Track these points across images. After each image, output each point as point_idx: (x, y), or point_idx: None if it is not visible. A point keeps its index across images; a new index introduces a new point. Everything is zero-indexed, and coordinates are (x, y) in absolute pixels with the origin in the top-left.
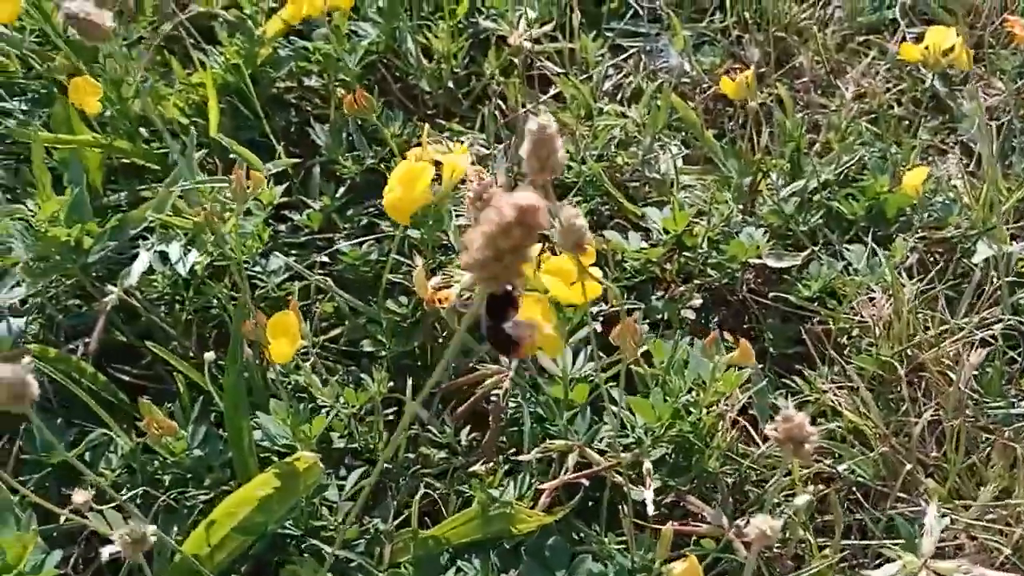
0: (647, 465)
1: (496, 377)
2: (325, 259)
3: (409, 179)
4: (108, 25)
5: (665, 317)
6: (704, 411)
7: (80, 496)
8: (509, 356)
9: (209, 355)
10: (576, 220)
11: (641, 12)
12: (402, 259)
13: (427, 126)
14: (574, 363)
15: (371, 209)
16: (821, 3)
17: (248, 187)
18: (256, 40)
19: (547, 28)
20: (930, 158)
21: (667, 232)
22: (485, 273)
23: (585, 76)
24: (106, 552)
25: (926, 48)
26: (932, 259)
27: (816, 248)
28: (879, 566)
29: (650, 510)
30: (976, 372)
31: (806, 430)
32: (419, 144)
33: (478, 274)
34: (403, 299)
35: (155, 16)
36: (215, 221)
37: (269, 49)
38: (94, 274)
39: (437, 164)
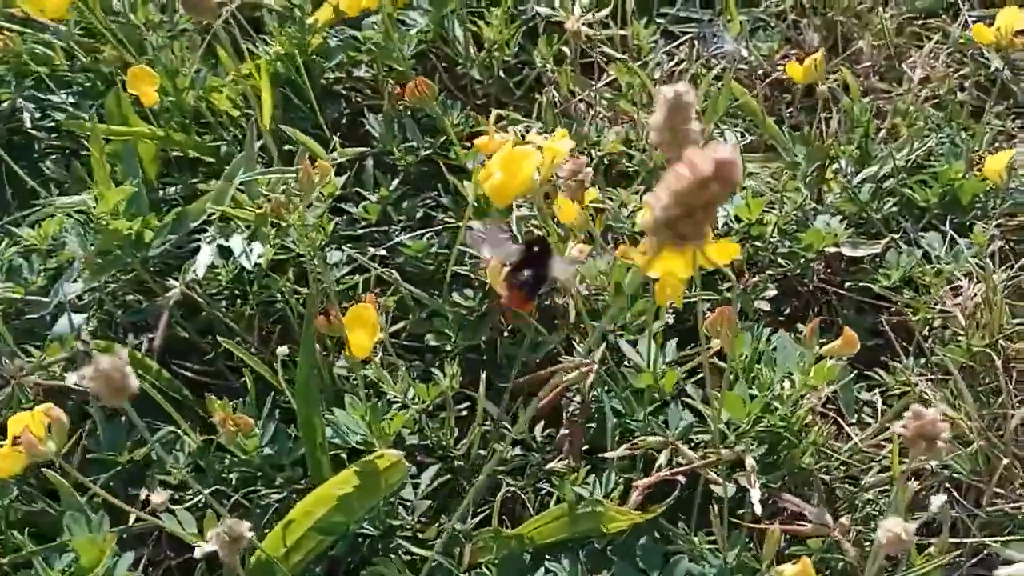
0: (750, 462)
1: (578, 372)
2: (383, 252)
3: (512, 163)
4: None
5: (739, 308)
6: (796, 404)
7: (158, 497)
8: (524, 305)
9: (282, 349)
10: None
11: None
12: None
13: (494, 112)
14: (661, 353)
15: (427, 201)
16: None
17: (315, 177)
18: (307, 29)
19: (603, 13)
20: (998, 144)
21: (739, 221)
22: (672, 232)
23: (639, 63)
24: (200, 551)
25: (998, 29)
26: (1011, 247)
27: (897, 239)
28: (977, 563)
29: (757, 509)
30: None
31: (938, 426)
32: (477, 134)
33: (664, 233)
34: (468, 292)
35: None
36: (281, 212)
37: (320, 39)
38: (152, 268)
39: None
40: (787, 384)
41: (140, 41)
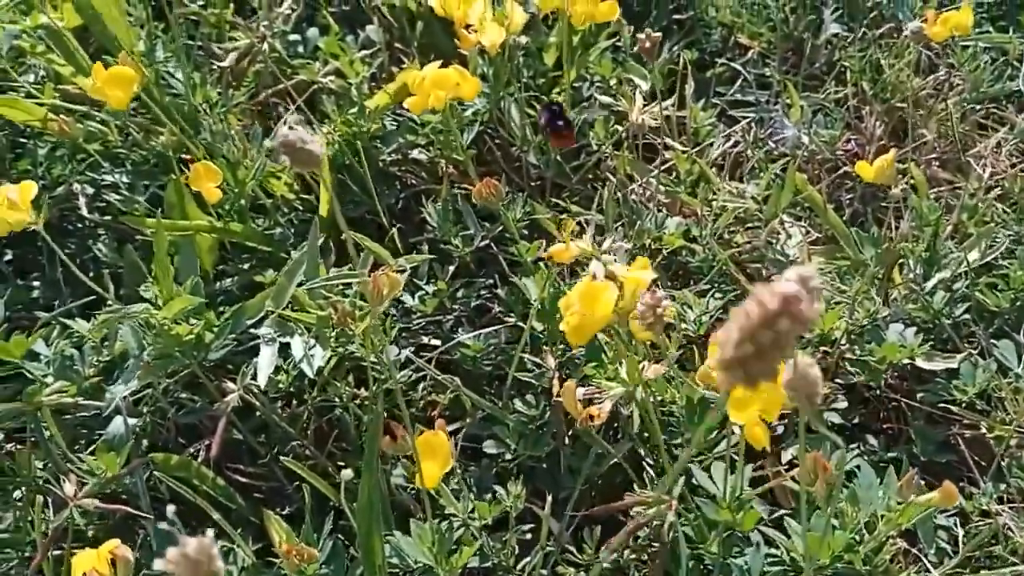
0: None
1: (657, 507)
2: (437, 342)
3: (591, 298)
4: (321, 152)
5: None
6: (879, 543)
7: None
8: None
9: (347, 473)
10: (811, 370)
11: (749, 79)
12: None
13: (571, 222)
14: (739, 482)
15: (483, 291)
16: (941, 72)
17: (384, 289)
18: (365, 115)
19: (667, 103)
20: None
21: (810, 330)
22: (743, 372)
23: (697, 148)
24: None
25: None
26: None
27: (970, 350)
28: None
29: None
30: None
31: None
32: (534, 223)
33: (735, 374)
34: (530, 398)
35: (255, 82)
36: (347, 322)
37: (377, 123)
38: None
39: (612, 276)
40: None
41: (196, 120)
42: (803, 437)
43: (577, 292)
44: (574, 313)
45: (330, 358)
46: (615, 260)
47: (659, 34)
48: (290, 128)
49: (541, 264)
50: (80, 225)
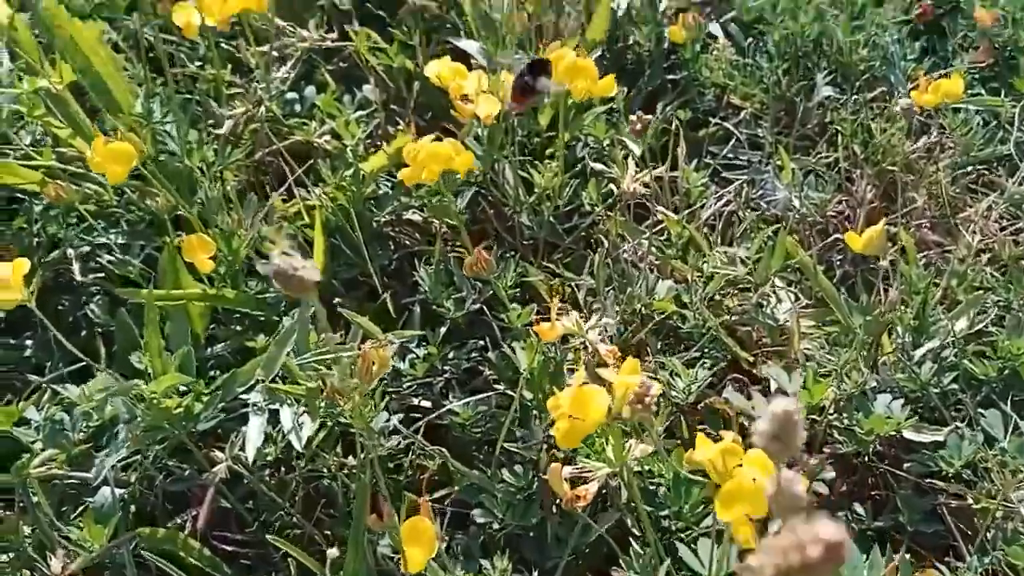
0: None
1: None
2: (427, 404)
3: (583, 404)
4: (314, 279)
5: None
6: None
7: None
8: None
9: (332, 552)
10: (796, 486)
11: (742, 139)
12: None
13: (556, 301)
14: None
15: (473, 354)
16: (933, 135)
17: (375, 368)
18: (360, 180)
19: (660, 171)
20: None
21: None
22: None
23: (688, 210)
24: None
25: None
26: None
27: (953, 420)
28: None
29: None
30: None
31: None
32: (526, 284)
33: None
34: (518, 469)
35: (252, 141)
36: (336, 398)
37: (372, 186)
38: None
39: (600, 379)
40: None
41: (192, 180)
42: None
43: (567, 396)
44: (564, 416)
45: (319, 429)
46: (601, 337)
47: (649, 117)
48: (283, 254)
49: (534, 331)
50: (74, 283)
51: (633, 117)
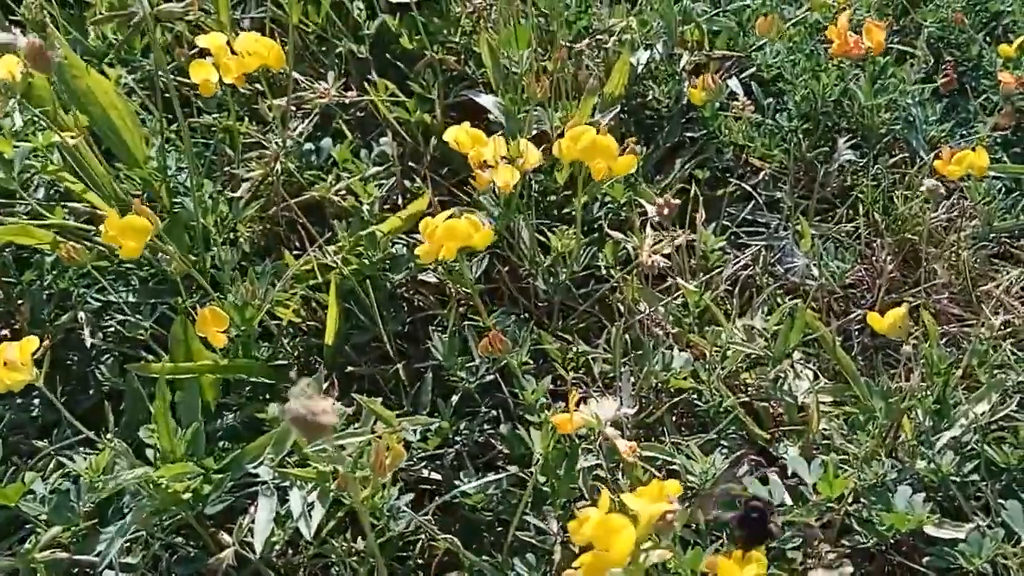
0: None
1: None
2: (438, 476)
3: (607, 534)
4: (332, 423)
5: None
6: None
7: None
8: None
9: None
10: None
11: (760, 201)
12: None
13: (573, 393)
14: None
15: (486, 425)
16: (954, 202)
17: (388, 463)
18: (375, 242)
19: (679, 241)
20: None
21: (818, 492)
22: None
23: (707, 275)
24: None
25: None
26: None
27: (972, 508)
28: None
29: None
30: None
31: None
32: (541, 352)
33: None
34: (530, 558)
35: (266, 194)
36: (347, 486)
37: (387, 248)
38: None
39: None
40: None
41: (207, 237)
42: None
43: (592, 523)
44: (586, 543)
45: (327, 513)
46: (618, 433)
47: (677, 201)
48: (299, 394)
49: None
50: (82, 345)
51: (660, 201)
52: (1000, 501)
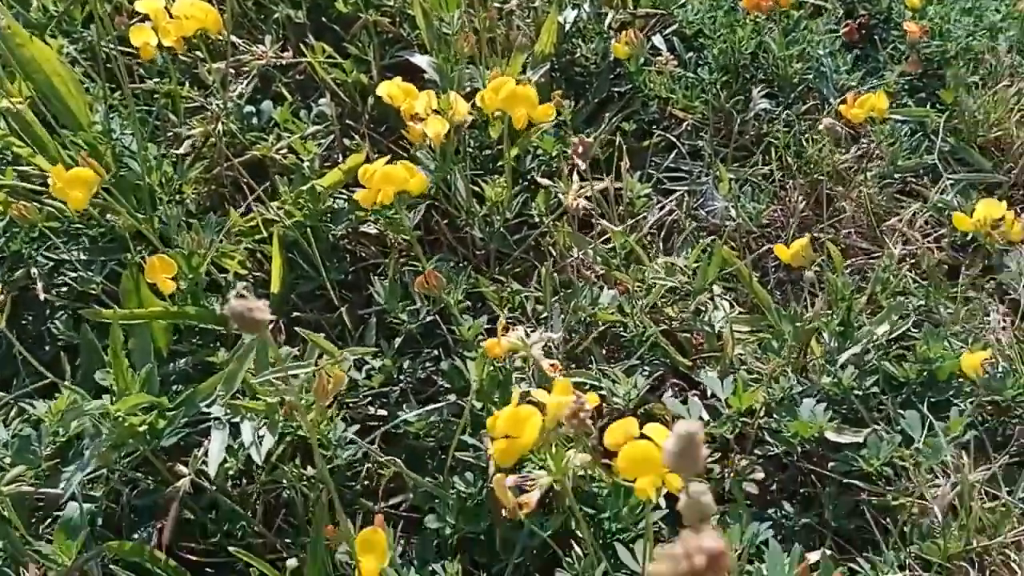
0: None
1: None
2: (383, 412)
3: (518, 424)
4: (266, 319)
5: (727, 489)
6: None
7: None
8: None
9: (291, 562)
10: (703, 497)
11: (683, 150)
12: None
13: (503, 319)
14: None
15: (428, 364)
16: (862, 145)
17: (330, 387)
18: (316, 196)
19: (601, 186)
20: (971, 305)
21: (729, 406)
22: None
23: (632, 220)
24: None
25: (977, 220)
26: (986, 424)
27: (874, 420)
28: None
29: None
30: None
31: None
32: (478, 295)
33: None
34: (469, 476)
35: (210, 155)
36: (293, 413)
37: (328, 201)
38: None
39: (534, 402)
40: None
41: (152, 196)
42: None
43: (503, 417)
44: (500, 435)
45: (278, 442)
46: (545, 351)
47: (590, 140)
48: (238, 296)
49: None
50: (37, 298)
51: (575, 139)
52: (900, 412)
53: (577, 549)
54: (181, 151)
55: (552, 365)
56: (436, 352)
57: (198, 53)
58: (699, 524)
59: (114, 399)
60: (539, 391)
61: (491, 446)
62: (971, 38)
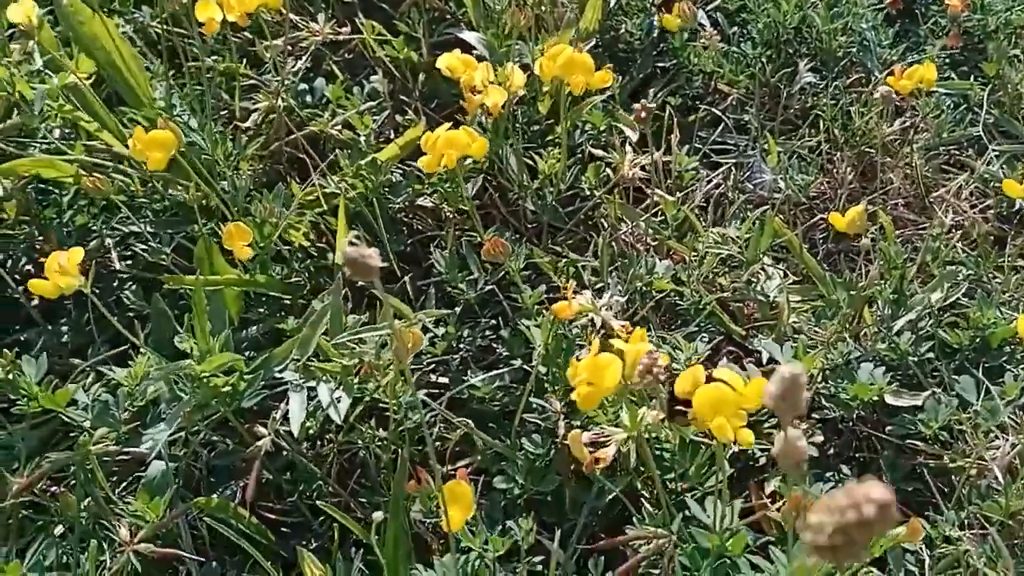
0: None
1: (656, 542)
2: (445, 380)
3: (598, 370)
4: (379, 265)
5: None
6: (855, 570)
7: None
8: None
9: (377, 515)
10: (799, 442)
11: (729, 124)
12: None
13: (572, 283)
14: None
15: (487, 332)
16: (907, 117)
17: (409, 346)
18: (377, 168)
19: (657, 155)
20: (1020, 274)
21: None
22: (835, 556)
23: (682, 193)
24: None
25: None
26: None
27: (930, 385)
28: None
29: None
30: None
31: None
32: (534, 266)
33: (828, 554)
34: (536, 438)
35: (268, 131)
36: (372, 374)
37: (387, 175)
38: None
39: (615, 350)
40: None
41: (215, 171)
42: (790, 487)
43: (584, 365)
44: (582, 382)
45: (353, 404)
46: (612, 314)
47: (652, 105)
48: (351, 244)
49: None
50: (104, 272)
51: (637, 105)
52: (954, 377)
53: (647, 505)
54: (246, 124)
55: (622, 326)
56: (495, 321)
57: (247, 34)
58: (793, 469)
59: (194, 361)
60: (617, 340)
61: (574, 392)
62: (1011, 12)
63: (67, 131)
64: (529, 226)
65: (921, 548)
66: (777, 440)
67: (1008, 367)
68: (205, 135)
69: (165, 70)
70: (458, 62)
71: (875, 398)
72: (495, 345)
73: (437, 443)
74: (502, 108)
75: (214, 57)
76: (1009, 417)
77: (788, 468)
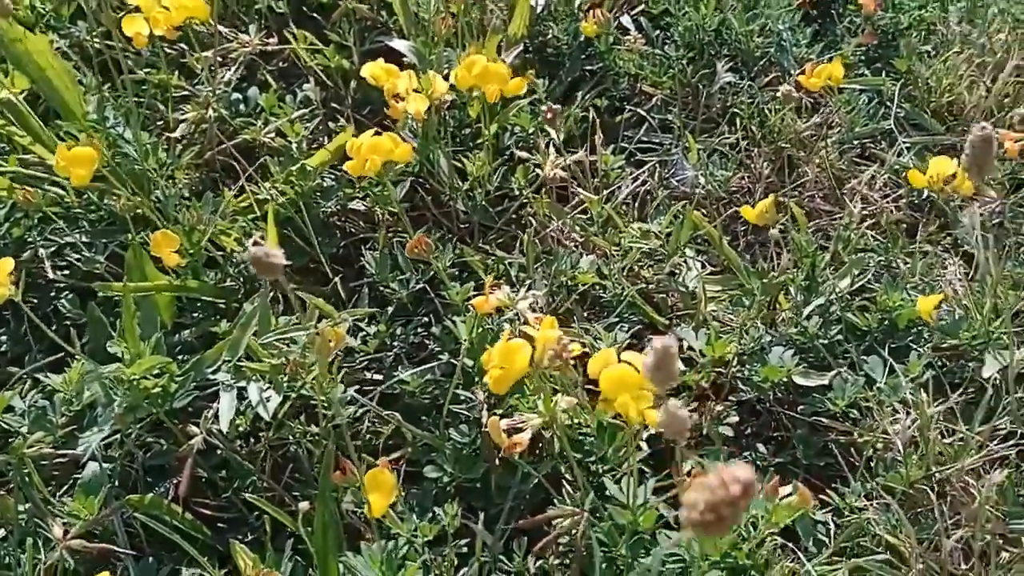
0: None
1: (572, 519)
2: (379, 377)
3: (509, 355)
4: (282, 263)
5: (704, 433)
6: (761, 540)
7: None
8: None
9: (304, 505)
10: (680, 412)
11: (653, 124)
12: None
13: (490, 279)
14: (640, 488)
15: (419, 329)
16: (822, 113)
17: (330, 345)
18: (306, 174)
19: (578, 156)
20: (928, 259)
21: (704, 356)
22: (706, 530)
23: (607, 190)
24: None
25: (930, 177)
26: (944, 367)
27: (839, 366)
28: None
29: None
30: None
31: None
32: (464, 264)
33: (700, 530)
34: (464, 428)
35: (201, 141)
36: (298, 372)
37: (317, 180)
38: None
39: (528, 337)
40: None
41: (148, 180)
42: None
43: (497, 350)
44: (495, 367)
45: (283, 401)
46: (530, 307)
47: (559, 106)
48: (255, 243)
49: (471, 305)
50: (41, 282)
51: (544, 107)
52: (863, 358)
53: (568, 488)
54: (177, 134)
55: (537, 318)
56: (427, 319)
57: (183, 45)
58: (678, 437)
59: (126, 365)
60: (528, 327)
61: (486, 376)
62: (923, 9)
63: (1, 146)
64: (461, 226)
65: (831, 519)
66: (660, 411)
67: (914, 346)
68: (137, 146)
69: (98, 83)
70: (381, 71)
71: (785, 379)
72: (427, 341)
73: (370, 437)
74: (426, 114)
75: (147, 69)
76: (910, 394)
77: (673, 436)
